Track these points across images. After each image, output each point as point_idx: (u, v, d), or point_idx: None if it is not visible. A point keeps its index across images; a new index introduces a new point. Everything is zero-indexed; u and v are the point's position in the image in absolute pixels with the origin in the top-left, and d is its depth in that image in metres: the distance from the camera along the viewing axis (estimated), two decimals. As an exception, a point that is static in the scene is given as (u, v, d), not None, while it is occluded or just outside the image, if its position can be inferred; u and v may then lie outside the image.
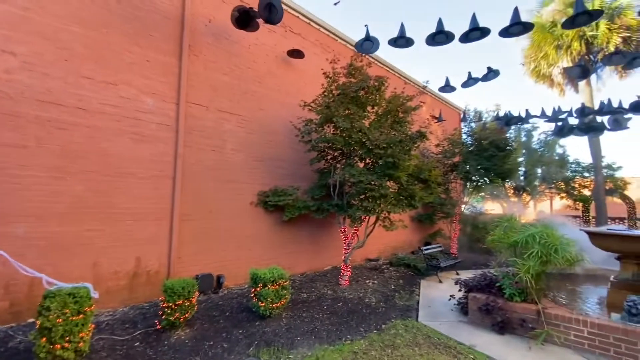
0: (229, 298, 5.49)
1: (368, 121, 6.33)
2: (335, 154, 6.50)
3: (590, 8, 5.78)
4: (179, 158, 5.38)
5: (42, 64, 4.30)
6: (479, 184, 10.49)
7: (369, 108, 6.34)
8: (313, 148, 6.37)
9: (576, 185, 16.66)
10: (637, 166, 54.79)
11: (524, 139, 16.67)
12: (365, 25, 5.64)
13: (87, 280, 4.10)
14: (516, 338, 4.30)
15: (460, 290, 5.37)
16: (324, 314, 4.97)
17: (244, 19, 5.55)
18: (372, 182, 5.63)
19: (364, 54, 6.35)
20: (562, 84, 14.70)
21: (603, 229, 6.70)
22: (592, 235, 5.69)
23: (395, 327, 4.59)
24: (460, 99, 42.10)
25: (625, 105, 7.39)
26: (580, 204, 17.14)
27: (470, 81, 7.00)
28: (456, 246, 10.34)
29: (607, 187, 15.78)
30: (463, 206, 10.96)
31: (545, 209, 19.74)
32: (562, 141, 16.39)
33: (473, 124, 10.88)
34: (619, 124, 7.33)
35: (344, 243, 6.50)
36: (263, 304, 4.50)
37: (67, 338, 3.05)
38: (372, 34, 5.62)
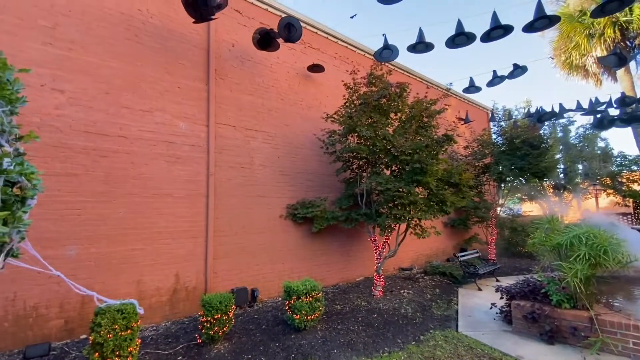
0: (264, 311, 5.56)
1: (392, 128, 6.31)
2: (361, 163, 6.51)
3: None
4: (210, 176, 5.63)
5: (87, 98, 4.72)
6: (514, 184, 10.02)
7: (392, 115, 6.33)
8: (338, 159, 6.42)
9: (624, 180, 15.41)
10: (695, 155, 49.70)
11: (560, 134, 15.81)
12: (383, 35, 5.70)
13: (132, 297, 4.35)
14: (568, 348, 4.00)
15: (502, 298, 5.10)
16: (359, 325, 4.90)
17: (265, 40, 5.79)
18: (400, 189, 5.55)
19: (383, 62, 6.39)
20: (598, 74, 13.83)
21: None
22: (647, 234, 5.23)
23: (435, 338, 4.43)
24: (488, 98, 40.77)
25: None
26: (631, 200, 15.79)
27: (496, 80, 6.80)
28: (494, 251, 9.85)
29: (660, 180, 14.45)
30: (498, 209, 10.48)
31: (590, 207, 18.33)
32: (604, 134, 15.34)
33: (503, 123, 10.49)
34: (667, 112, 6.78)
35: (375, 253, 6.42)
36: (298, 317, 4.52)
37: (117, 352, 3.23)
38: (390, 42, 5.66)
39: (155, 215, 5.13)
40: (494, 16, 5.02)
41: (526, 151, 8.76)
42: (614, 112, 7.89)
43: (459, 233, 10.80)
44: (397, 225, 6.26)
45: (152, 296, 4.98)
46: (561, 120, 15.49)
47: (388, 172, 6.31)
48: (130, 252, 4.87)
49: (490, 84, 6.84)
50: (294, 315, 4.55)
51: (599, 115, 7.57)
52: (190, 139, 5.56)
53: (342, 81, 6.44)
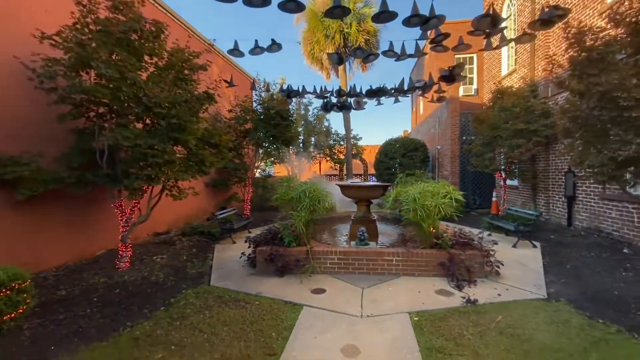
0: None
1: (146, 74, 5.33)
2: (102, 110, 5.13)
3: (345, 5, 7.19)
4: None
5: None
6: (269, 149, 11.53)
7: (146, 58, 5.32)
8: (63, 100, 4.73)
9: (336, 151, 21.69)
10: (370, 137, 77.52)
11: (302, 112, 19.61)
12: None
13: None
14: (293, 277, 5.17)
15: (249, 247, 5.81)
16: (93, 308, 4.06)
17: None
18: (155, 147, 4.89)
19: (135, -12, 5.14)
20: (329, 69, 18.14)
21: (347, 182, 9.03)
22: (341, 188, 7.57)
23: (186, 297, 4.42)
24: (252, 67, 44.02)
25: (363, 92, 10.10)
26: (338, 165, 22.57)
27: (257, 49, 7.22)
28: (249, 207, 11.10)
29: (353, 152, 21.48)
30: (256, 170, 11.78)
31: (316, 170, 24.53)
32: (328, 116, 20.53)
33: (263, 94, 11.60)
34: (359, 105, 9.85)
35: (121, 220, 5.47)
36: (-19, 322, 3.10)
37: None
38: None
39: None
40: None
41: (278, 121, 10.21)
42: (334, 100, 10.58)
43: (220, 193, 11.27)
44: (150, 188, 5.59)
45: None
46: (304, 101, 19.23)
47: (140, 126, 5.37)
48: None
49: (252, 52, 7.21)
50: (-27, 322, 3.09)
51: (324, 100, 9.90)
52: None
53: (71, -8, 4.64)
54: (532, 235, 7.01)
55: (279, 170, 21.96)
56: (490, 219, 8.21)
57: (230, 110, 10.84)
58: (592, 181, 7.32)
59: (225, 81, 7.64)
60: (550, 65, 5.55)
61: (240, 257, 5.90)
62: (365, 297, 4.36)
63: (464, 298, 4.21)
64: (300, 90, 9.35)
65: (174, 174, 5.47)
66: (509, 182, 10.15)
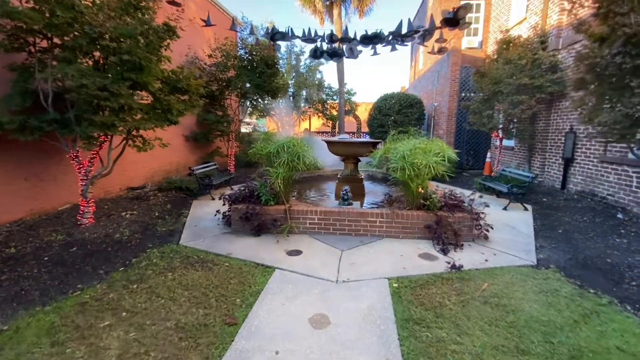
0: None
1: (91, -1, 4.42)
2: (48, 44, 4.31)
3: None
4: None
5: None
6: (254, 101, 10.70)
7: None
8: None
9: (328, 107, 20.69)
10: (365, 94, 75.02)
11: (294, 62, 18.27)
12: None
13: None
14: (269, 236, 4.83)
15: (224, 205, 5.40)
16: (41, 268, 3.68)
17: None
18: (107, 88, 4.18)
19: None
20: (322, 13, 16.53)
21: (335, 138, 8.45)
22: (328, 144, 7.02)
23: (150, 257, 4.06)
24: (237, 9, 40.55)
25: (357, 38, 9.10)
26: (331, 122, 21.72)
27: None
28: (233, 163, 10.57)
29: (346, 108, 20.54)
30: (242, 124, 11.04)
31: (306, 126, 23.60)
32: (321, 67, 19.22)
33: (250, 39, 10.44)
34: (352, 53, 8.93)
35: (79, 173, 4.93)
36: None
37: None
38: None
39: None
40: None
41: (262, 69, 9.28)
42: (325, 47, 9.58)
43: (202, 147, 10.62)
44: (109, 137, 4.97)
45: None
46: (295, 49, 17.82)
47: (91, 63, 4.59)
48: None
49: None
50: None
51: (313, 45, 8.94)
52: None
53: None
54: (524, 198, 6.71)
55: (274, 128, 21.02)
56: (482, 179, 7.87)
57: (210, 56, 9.80)
58: (594, 142, 6.89)
59: (202, 20, 6.65)
60: (571, 4, 4.78)
61: (215, 214, 5.50)
62: (343, 259, 4.06)
63: (448, 263, 3.93)
64: (287, 32, 8.34)
65: (136, 122, 4.82)
66: (505, 142, 9.69)
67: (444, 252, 4.29)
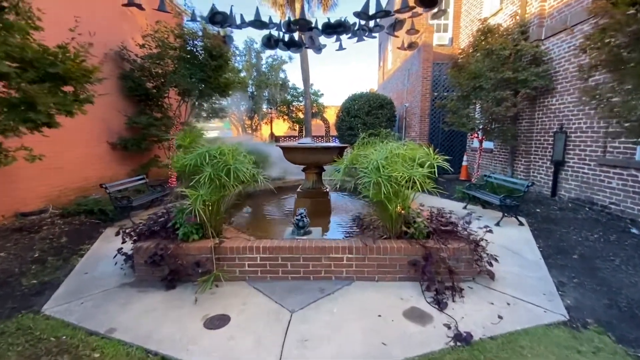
0: None
1: None
2: None
3: None
4: None
5: None
6: (200, 100, 9.02)
7: None
8: None
9: (294, 109, 19.27)
10: (333, 97, 74.71)
11: (254, 60, 16.69)
12: None
13: None
14: (188, 289, 3.29)
15: (124, 242, 3.77)
16: None
17: None
18: None
19: None
20: (283, 6, 15.16)
21: (292, 143, 7.01)
22: (283, 150, 5.58)
23: (-38, 350, 2.39)
24: None
25: (319, 27, 7.81)
26: (297, 126, 20.30)
27: None
28: (175, 175, 8.80)
29: (313, 111, 19.22)
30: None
31: (266, 132, 21.74)
32: (285, 67, 17.81)
33: (191, 23, 8.76)
34: (313, 43, 7.61)
35: None
36: None
37: None
38: None
39: None
40: None
41: (205, 60, 7.68)
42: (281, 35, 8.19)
43: (134, 156, 8.72)
44: None
45: None
46: (255, 46, 16.28)
47: None
48: None
49: None
50: None
51: (268, 32, 7.52)
52: None
53: None
54: (517, 210, 5.66)
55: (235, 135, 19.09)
56: (466, 188, 6.79)
57: (142, 46, 8.05)
58: (590, 143, 6.00)
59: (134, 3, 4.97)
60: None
61: (115, 255, 3.86)
62: (292, 330, 2.62)
63: (448, 327, 2.63)
64: (231, 14, 6.84)
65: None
66: (483, 144, 8.77)
67: (439, 303, 2.98)
